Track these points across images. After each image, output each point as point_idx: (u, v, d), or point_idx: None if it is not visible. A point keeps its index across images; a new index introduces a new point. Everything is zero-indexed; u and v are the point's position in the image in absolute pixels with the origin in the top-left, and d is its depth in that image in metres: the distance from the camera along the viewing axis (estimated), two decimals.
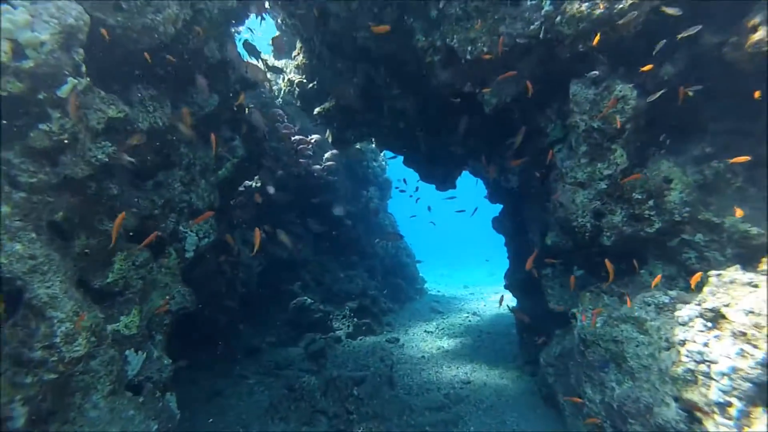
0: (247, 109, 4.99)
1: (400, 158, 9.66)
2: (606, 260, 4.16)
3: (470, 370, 8.12)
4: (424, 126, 6.89)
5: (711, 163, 4.15)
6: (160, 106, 4.32)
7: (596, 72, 4.34)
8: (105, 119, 3.50)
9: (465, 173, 9.08)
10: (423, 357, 8.92)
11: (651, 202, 4.25)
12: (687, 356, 3.26)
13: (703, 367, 3.13)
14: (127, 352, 4.17)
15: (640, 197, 4.27)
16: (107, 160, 3.50)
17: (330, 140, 9.93)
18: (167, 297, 4.97)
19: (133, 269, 4.30)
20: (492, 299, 15.71)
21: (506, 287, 7.31)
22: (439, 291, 18.26)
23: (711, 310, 3.23)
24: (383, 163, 17.06)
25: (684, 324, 3.28)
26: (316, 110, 8.82)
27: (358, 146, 16.25)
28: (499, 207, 9.08)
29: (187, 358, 7.56)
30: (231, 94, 5.52)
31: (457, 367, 8.29)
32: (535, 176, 5.38)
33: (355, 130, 8.84)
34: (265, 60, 9.12)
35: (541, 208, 5.46)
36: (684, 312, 3.42)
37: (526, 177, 5.81)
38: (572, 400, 4.40)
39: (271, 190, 11.05)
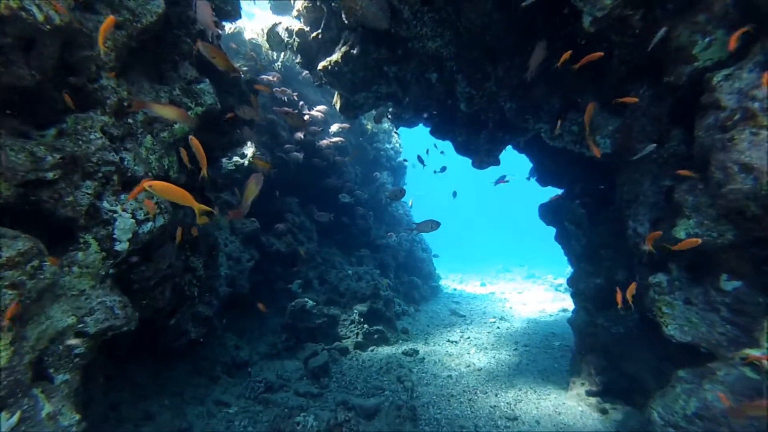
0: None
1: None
2: None
3: (514, 399, 6.30)
4: (466, 73, 4.98)
5: None
6: None
7: None
8: None
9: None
10: (450, 377, 7.14)
11: None
12: None
13: None
14: None
15: None
16: None
17: (337, 107, 8.05)
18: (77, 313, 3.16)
19: None
20: (516, 299, 13.86)
21: (573, 296, 5.46)
22: (455, 289, 16.59)
23: None
24: (397, 145, 15.23)
25: None
26: (321, 65, 6.94)
27: (369, 126, 14.43)
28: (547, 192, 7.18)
29: (145, 380, 5.85)
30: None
31: (496, 394, 6.49)
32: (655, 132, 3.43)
33: (370, 90, 6.94)
34: None
35: (654, 181, 3.56)
36: None
37: (624, 138, 3.91)
38: None
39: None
